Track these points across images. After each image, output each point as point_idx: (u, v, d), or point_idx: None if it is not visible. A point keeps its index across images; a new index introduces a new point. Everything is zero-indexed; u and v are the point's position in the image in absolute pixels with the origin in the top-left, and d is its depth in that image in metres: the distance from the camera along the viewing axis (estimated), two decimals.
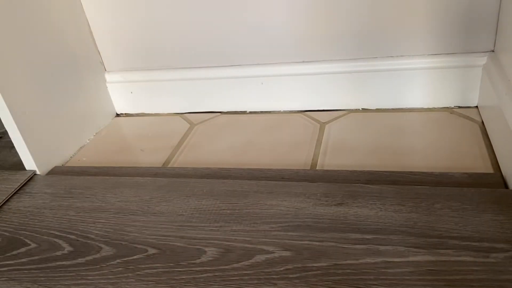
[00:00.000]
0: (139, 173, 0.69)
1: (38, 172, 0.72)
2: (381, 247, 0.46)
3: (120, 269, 0.49)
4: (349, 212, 0.52)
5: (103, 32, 0.86)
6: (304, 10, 0.75)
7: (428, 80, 0.75)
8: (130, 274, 0.48)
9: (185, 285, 0.46)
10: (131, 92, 0.91)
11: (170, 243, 0.52)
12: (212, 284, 0.45)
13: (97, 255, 0.52)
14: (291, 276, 0.45)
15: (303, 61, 0.80)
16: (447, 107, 0.77)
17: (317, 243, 0.48)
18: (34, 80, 0.73)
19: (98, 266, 0.50)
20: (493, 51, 0.71)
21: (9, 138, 0.70)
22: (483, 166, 0.61)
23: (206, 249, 0.50)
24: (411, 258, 0.44)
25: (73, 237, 0.55)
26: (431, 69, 0.74)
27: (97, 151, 0.82)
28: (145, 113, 0.93)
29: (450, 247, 0.45)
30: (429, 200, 0.51)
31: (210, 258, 0.48)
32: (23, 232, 0.58)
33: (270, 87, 0.83)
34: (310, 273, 0.45)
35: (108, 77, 0.91)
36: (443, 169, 0.61)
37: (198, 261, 0.48)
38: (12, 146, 0.71)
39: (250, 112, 0.87)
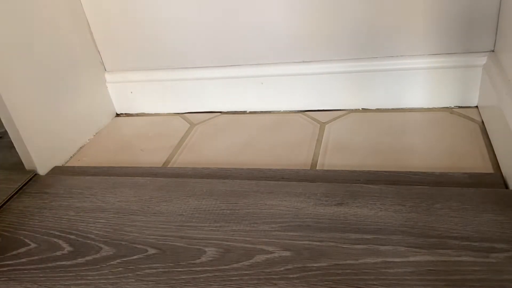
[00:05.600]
0: (139, 173, 0.69)
1: (38, 172, 0.72)
2: (381, 247, 0.46)
3: (120, 269, 0.49)
4: (349, 212, 0.52)
5: (103, 32, 0.86)
6: (304, 10, 0.75)
7: (428, 80, 0.75)
8: (130, 274, 0.48)
9: (185, 285, 0.46)
10: (131, 92, 0.91)
11: (170, 243, 0.51)
12: (212, 284, 0.45)
13: (97, 255, 0.52)
14: (291, 276, 0.45)
15: (303, 61, 0.80)
16: (447, 107, 0.77)
17: (317, 243, 0.48)
18: (34, 80, 0.73)
19: (98, 266, 0.50)
20: (493, 51, 0.71)
21: (9, 138, 0.70)
22: (483, 166, 0.61)
23: (206, 249, 0.50)
24: (411, 258, 0.44)
25: (73, 237, 0.55)
26: (431, 69, 0.74)
27: (97, 151, 0.82)
28: (145, 113, 0.93)
29: (450, 247, 0.45)
30: (429, 200, 0.51)
31: (210, 258, 0.48)
32: (23, 232, 0.58)
33: (270, 87, 0.83)
34: (310, 273, 0.44)
35: (108, 77, 0.91)
36: (443, 169, 0.61)
37: (198, 261, 0.48)
38: (12, 146, 0.71)
39: (250, 112, 0.87)
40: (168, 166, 0.73)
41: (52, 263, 0.52)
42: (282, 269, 0.45)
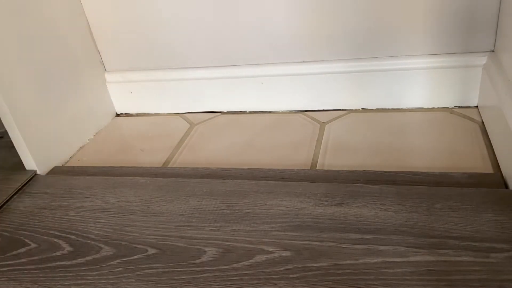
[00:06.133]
0: (139, 173, 0.69)
1: (38, 172, 0.72)
2: (381, 247, 0.46)
3: (120, 269, 0.49)
4: (349, 212, 0.52)
5: (103, 32, 0.86)
6: (304, 10, 0.75)
7: (428, 80, 0.75)
8: (130, 274, 0.48)
9: (185, 285, 0.46)
10: (131, 92, 0.91)
11: (170, 243, 0.51)
12: (212, 284, 0.45)
13: (97, 255, 0.52)
14: (291, 276, 0.45)
15: (303, 61, 0.80)
16: (447, 107, 0.77)
17: (317, 243, 0.48)
18: (34, 80, 0.73)
19: (98, 266, 0.50)
20: (493, 51, 0.71)
21: (9, 138, 0.70)
22: (483, 166, 0.61)
23: (206, 249, 0.50)
24: (411, 258, 0.44)
25: (73, 237, 0.55)
26: (431, 69, 0.74)
27: (97, 151, 0.82)
28: (145, 113, 0.93)
29: (450, 247, 0.45)
30: (429, 200, 0.51)
31: (210, 258, 0.48)
32: (23, 232, 0.58)
33: (270, 87, 0.83)
34: (310, 273, 0.45)
35: (108, 77, 0.91)
36: (443, 169, 0.61)
37: (198, 261, 0.48)
38: (12, 146, 0.71)
39: (250, 112, 0.87)
40: (168, 166, 0.73)
41: (52, 263, 0.52)
42: (282, 269, 0.45)
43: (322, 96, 0.82)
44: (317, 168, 0.67)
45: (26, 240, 0.56)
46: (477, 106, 0.76)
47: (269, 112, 0.86)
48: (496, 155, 0.62)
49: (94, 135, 0.87)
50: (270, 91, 0.84)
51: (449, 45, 0.72)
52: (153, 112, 0.93)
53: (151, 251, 0.51)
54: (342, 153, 0.69)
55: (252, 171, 0.65)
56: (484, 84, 0.71)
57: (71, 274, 0.50)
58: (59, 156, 0.78)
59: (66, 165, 0.79)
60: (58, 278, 0.49)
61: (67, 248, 0.54)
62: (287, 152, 0.72)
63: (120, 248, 0.52)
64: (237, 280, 0.45)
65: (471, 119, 0.73)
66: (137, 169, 0.71)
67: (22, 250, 0.55)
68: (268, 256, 0.47)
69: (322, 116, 0.81)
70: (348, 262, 0.45)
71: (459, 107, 0.77)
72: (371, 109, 0.80)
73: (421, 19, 0.71)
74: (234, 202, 0.56)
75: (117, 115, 0.95)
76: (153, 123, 0.89)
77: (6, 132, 0.70)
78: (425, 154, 0.66)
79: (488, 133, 0.67)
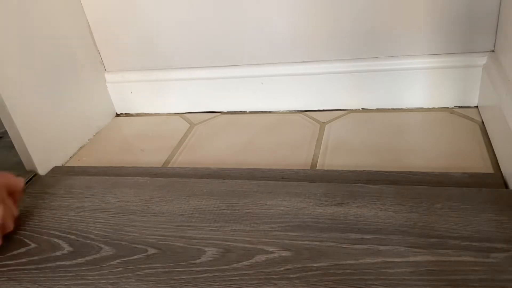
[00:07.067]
0: (139, 173, 0.69)
1: (38, 172, 0.72)
2: (381, 247, 0.46)
3: (120, 269, 0.49)
4: (349, 212, 0.52)
5: (103, 32, 0.86)
6: (304, 10, 0.75)
7: (428, 80, 0.75)
8: (130, 274, 0.48)
9: (185, 285, 0.46)
10: (131, 92, 0.91)
11: (170, 243, 0.51)
12: (212, 284, 0.45)
13: (97, 255, 0.52)
14: (291, 276, 0.45)
15: (303, 61, 0.80)
16: (447, 107, 0.77)
17: (317, 243, 0.48)
18: (34, 80, 0.73)
19: (98, 266, 0.50)
20: (493, 51, 0.71)
21: (9, 138, 0.70)
22: (483, 166, 0.61)
23: (206, 249, 0.50)
24: (411, 258, 0.44)
25: (73, 237, 0.55)
26: (431, 69, 0.74)
27: (97, 151, 0.82)
28: (145, 113, 0.93)
29: (450, 247, 0.45)
30: (429, 200, 0.51)
31: (210, 258, 0.48)
32: (23, 232, 0.58)
33: (270, 87, 0.83)
34: (310, 273, 0.44)
35: (108, 77, 0.91)
36: (443, 169, 0.61)
37: (198, 261, 0.48)
38: (12, 146, 0.71)
39: (250, 112, 0.87)
40: (168, 166, 0.73)
41: (52, 263, 0.52)
42: (282, 269, 0.45)
43: (322, 96, 0.82)
44: (317, 168, 0.67)
45: (26, 240, 0.56)
46: (477, 106, 0.76)
47: (269, 112, 0.86)
48: (496, 155, 0.62)
49: (94, 135, 0.87)
50: (270, 91, 0.84)
51: (449, 45, 0.72)
52: (153, 112, 0.93)
53: (151, 251, 0.51)
54: (342, 153, 0.69)
55: (252, 171, 0.65)
56: (484, 84, 0.71)
57: (71, 274, 0.50)
58: (59, 156, 0.78)
59: (66, 165, 0.78)
60: (58, 278, 0.49)
61: (67, 248, 0.54)
62: (287, 152, 0.72)
63: (120, 248, 0.52)
64: (237, 280, 0.45)
65: (471, 119, 0.73)
66: (137, 169, 0.71)
67: (22, 250, 0.55)
68: (268, 256, 0.47)
69: (322, 116, 0.81)
70: (348, 262, 0.45)
71: (459, 107, 0.77)
72: (371, 109, 0.80)
73: (421, 19, 0.71)
74: (234, 202, 0.56)
75: (117, 115, 0.95)
76: (153, 123, 0.89)
77: (6, 132, 0.70)
78: (425, 154, 0.66)
79: (488, 133, 0.67)
